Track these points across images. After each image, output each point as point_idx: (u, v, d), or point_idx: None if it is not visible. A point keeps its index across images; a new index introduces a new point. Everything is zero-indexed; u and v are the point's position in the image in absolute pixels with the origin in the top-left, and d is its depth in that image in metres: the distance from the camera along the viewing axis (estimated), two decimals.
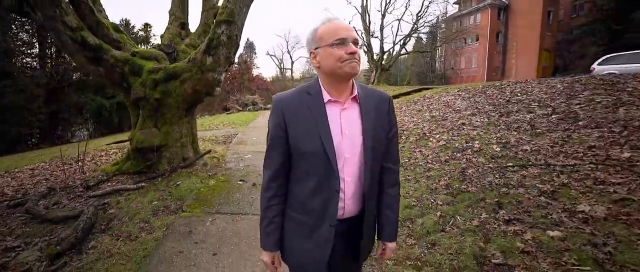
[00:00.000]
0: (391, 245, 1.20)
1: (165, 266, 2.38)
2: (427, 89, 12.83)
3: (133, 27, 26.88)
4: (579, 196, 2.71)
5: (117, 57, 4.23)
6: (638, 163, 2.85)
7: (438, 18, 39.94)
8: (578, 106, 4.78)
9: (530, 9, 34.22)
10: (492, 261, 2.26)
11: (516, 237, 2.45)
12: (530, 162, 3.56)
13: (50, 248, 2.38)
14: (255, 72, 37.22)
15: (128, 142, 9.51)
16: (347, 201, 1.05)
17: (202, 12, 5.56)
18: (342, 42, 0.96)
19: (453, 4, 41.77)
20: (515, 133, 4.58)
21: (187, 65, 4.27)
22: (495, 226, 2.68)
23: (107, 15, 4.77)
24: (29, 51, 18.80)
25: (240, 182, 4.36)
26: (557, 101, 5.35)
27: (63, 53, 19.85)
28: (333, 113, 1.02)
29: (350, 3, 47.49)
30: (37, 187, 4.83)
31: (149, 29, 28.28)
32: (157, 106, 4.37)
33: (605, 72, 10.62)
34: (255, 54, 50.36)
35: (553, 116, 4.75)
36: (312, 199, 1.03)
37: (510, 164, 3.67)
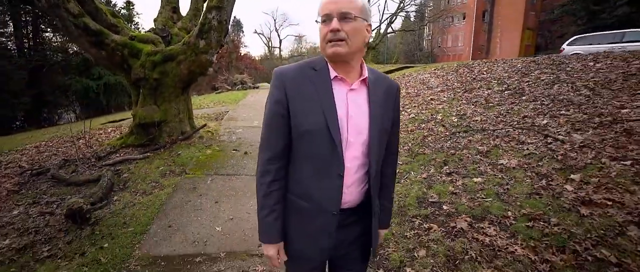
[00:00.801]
0: (383, 232, 1.17)
1: (178, 210, 3.04)
2: (409, 67, 13.46)
3: (114, 5, 26.09)
4: (503, 153, 3.47)
5: (117, 41, 4.67)
6: (549, 127, 3.61)
7: None
8: (526, 83, 5.52)
9: None
10: (429, 200, 3.01)
11: (451, 184, 3.20)
12: (473, 129, 4.31)
13: (85, 199, 2.99)
14: (243, 51, 36.85)
15: (124, 121, 9.91)
16: (346, 190, 0.96)
17: None
18: (326, 18, 0.87)
19: None
20: (473, 107, 5.32)
21: (182, 48, 4.76)
22: (439, 177, 3.43)
23: (102, 1, 5.11)
24: (2, 30, 18.10)
25: (234, 151, 5.00)
26: (513, 79, 6.08)
27: (41, 33, 19.39)
28: (339, 92, 0.94)
29: None
30: (51, 160, 5.34)
31: (131, 7, 27.50)
32: (156, 85, 4.88)
33: (572, 52, 11.41)
34: (243, 32, 49.39)
35: (505, 92, 5.48)
36: (313, 183, 0.96)
37: (460, 131, 4.41)
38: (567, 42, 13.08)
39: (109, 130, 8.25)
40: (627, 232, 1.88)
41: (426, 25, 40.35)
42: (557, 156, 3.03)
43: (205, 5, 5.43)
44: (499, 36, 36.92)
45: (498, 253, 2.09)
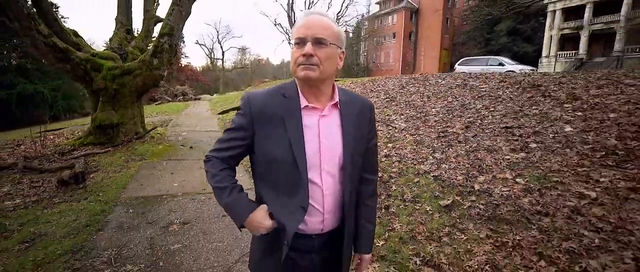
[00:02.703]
0: (367, 257, 1.14)
1: (145, 178, 4.39)
2: (335, 81, 15.79)
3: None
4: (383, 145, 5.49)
5: (81, 57, 5.71)
6: (395, 121, 5.78)
7: (362, 15, 44.28)
8: (400, 94, 7.88)
9: (434, 14, 40.44)
10: None
11: None
12: None
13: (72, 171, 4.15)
14: (184, 61, 36.46)
15: (60, 130, 10.23)
16: (327, 216, 0.99)
17: (143, 20, 7.14)
18: (300, 41, 0.88)
19: (375, 3, 46.86)
20: None
21: (139, 64, 6.00)
22: None
23: (64, 23, 6.09)
24: None
25: (182, 146, 6.34)
26: (394, 91, 8.44)
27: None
28: (310, 120, 0.94)
29: (276, 1, 49.74)
30: (4, 160, 5.98)
31: (55, 10, 25.93)
32: (115, 94, 6.00)
33: (461, 70, 14.79)
34: (184, 42, 48.38)
35: (385, 100, 7.75)
36: (276, 210, 0.96)
37: None
38: (458, 63, 16.66)
39: (52, 138, 8.71)
40: (404, 173, 3.90)
41: (361, 42, 44.55)
42: (389, 135, 5.12)
43: (157, 28, 6.74)
44: (422, 54, 42.56)
45: None
